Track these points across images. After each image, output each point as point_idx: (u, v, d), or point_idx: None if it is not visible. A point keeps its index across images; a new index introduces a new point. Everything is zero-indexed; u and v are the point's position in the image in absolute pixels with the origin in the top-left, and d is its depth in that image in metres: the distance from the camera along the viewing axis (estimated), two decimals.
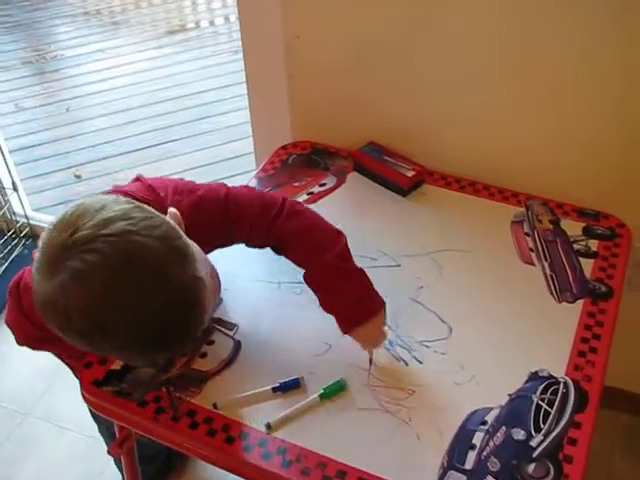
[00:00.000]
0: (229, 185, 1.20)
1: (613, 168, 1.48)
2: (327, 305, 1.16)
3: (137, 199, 1.00)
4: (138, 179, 1.16)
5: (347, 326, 1.15)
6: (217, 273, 1.08)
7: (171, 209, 1.02)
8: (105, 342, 0.87)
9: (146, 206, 0.93)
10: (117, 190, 1.09)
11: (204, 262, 0.96)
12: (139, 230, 0.87)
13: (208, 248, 1.07)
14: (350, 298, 1.14)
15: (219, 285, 1.18)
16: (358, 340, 1.17)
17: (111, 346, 0.88)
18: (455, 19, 1.43)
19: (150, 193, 1.10)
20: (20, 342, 1.20)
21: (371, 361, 1.18)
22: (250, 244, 1.20)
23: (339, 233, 1.19)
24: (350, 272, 1.16)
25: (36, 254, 0.88)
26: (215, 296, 1.10)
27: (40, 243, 0.88)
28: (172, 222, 0.94)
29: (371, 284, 1.17)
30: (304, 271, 1.17)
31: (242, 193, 1.19)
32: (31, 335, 1.17)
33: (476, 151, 1.59)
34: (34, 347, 1.22)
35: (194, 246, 0.95)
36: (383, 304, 1.17)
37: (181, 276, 0.89)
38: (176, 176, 2.94)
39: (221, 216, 1.14)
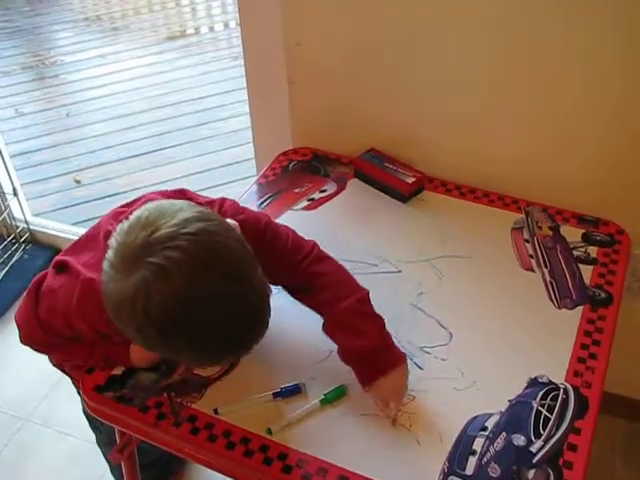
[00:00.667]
0: (271, 218, 1.21)
1: (613, 175, 1.49)
2: (346, 353, 1.13)
3: None
4: (181, 190, 1.16)
5: (370, 377, 1.11)
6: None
7: (231, 220, 1.03)
8: (181, 338, 0.89)
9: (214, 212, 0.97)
10: (166, 193, 1.12)
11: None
12: (219, 231, 0.91)
13: None
14: (370, 346, 1.11)
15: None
16: (379, 395, 1.12)
17: (184, 343, 0.89)
18: (455, 27, 1.44)
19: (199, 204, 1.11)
20: (24, 342, 1.20)
21: (394, 422, 1.11)
22: (270, 278, 1.14)
23: (361, 286, 1.18)
24: (370, 318, 1.14)
25: (108, 254, 0.89)
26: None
27: (114, 244, 0.90)
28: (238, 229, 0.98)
29: (389, 338, 1.14)
30: (323, 320, 1.16)
31: (280, 228, 1.20)
32: (38, 339, 1.18)
33: (476, 158, 1.60)
34: (37, 349, 1.22)
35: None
36: (404, 356, 1.14)
37: (256, 277, 0.93)
38: (176, 182, 2.96)
39: (257, 244, 1.12)
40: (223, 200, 1.18)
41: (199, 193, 1.21)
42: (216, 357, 0.99)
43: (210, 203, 1.14)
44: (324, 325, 1.16)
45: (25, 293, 1.16)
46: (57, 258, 1.15)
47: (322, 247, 1.24)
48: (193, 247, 0.87)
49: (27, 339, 1.20)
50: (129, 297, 0.86)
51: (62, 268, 1.11)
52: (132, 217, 0.91)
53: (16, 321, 1.19)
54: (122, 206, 1.16)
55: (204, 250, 0.88)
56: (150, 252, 0.86)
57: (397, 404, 1.12)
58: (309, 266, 1.17)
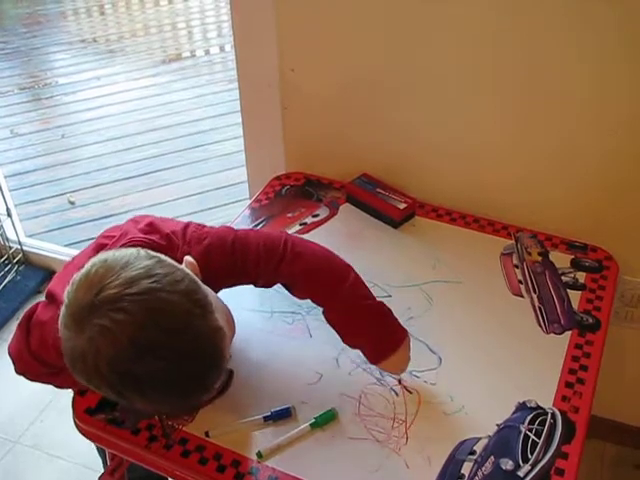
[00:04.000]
0: (236, 229, 1.21)
1: (602, 202, 1.51)
2: (351, 342, 1.18)
3: (154, 247, 1.04)
4: (150, 223, 1.17)
5: (374, 359, 1.18)
6: (230, 313, 1.11)
7: (188, 258, 1.06)
8: (132, 392, 0.91)
9: (167, 259, 0.97)
10: (135, 239, 1.11)
11: (221, 309, 1.00)
12: (163, 287, 0.91)
13: (217, 289, 1.09)
14: (373, 334, 1.17)
15: (233, 324, 1.20)
16: (387, 369, 1.20)
17: (138, 395, 0.91)
18: (448, 55, 1.46)
19: (164, 239, 1.13)
20: (18, 372, 1.21)
21: (400, 381, 1.22)
22: (258, 286, 1.21)
23: (347, 266, 1.20)
24: (368, 307, 1.17)
25: (62, 311, 0.91)
26: (231, 339, 1.14)
27: (65, 300, 0.92)
28: (191, 274, 0.98)
29: (391, 314, 1.18)
30: (322, 310, 1.19)
31: (249, 238, 1.19)
32: (32, 370, 1.19)
33: (467, 184, 1.62)
34: (31, 379, 1.23)
35: (211, 294, 0.99)
36: (406, 333, 1.19)
37: (205, 328, 0.93)
38: (170, 204, 2.96)
39: (229, 263, 1.16)
40: (186, 226, 1.19)
41: (167, 218, 1.23)
42: (171, 407, 1.01)
43: (174, 233, 1.15)
44: (324, 313, 1.18)
45: (17, 325, 1.17)
46: (48, 288, 1.16)
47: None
48: (136, 308, 0.88)
49: (21, 370, 1.21)
50: (80, 354, 0.89)
51: (52, 298, 1.13)
52: (82, 272, 0.93)
53: (9, 352, 1.19)
54: (105, 236, 1.19)
55: (147, 309, 0.89)
56: (96, 313, 0.88)
57: (403, 371, 1.20)
58: (287, 268, 1.17)
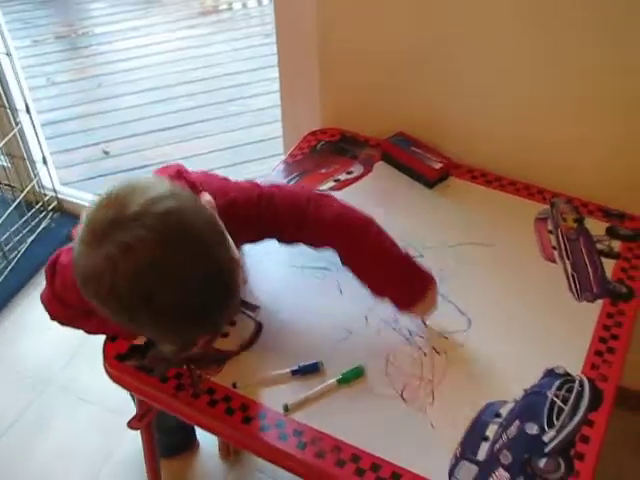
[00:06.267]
0: (261, 184, 1.21)
1: None
2: (379, 291, 1.19)
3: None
4: (177, 171, 1.15)
5: (403, 307, 1.20)
6: (245, 263, 1.12)
7: (206, 196, 1.05)
8: (145, 314, 0.90)
9: (188, 190, 0.98)
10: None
11: (235, 250, 1.00)
12: (187, 210, 0.92)
13: (238, 243, 1.09)
14: (401, 281, 1.19)
15: (246, 275, 1.21)
16: (416, 314, 1.22)
17: (149, 319, 0.91)
18: (489, 11, 1.43)
19: (189, 185, 1.12)
20: (51, 317, 1.23)
21: (425, 324, 1.25)
22: (282, 241, 1.22)
23: (369, 218, 1.20)
24: (394, 255, 1.18)
25: (79, 230, 0.91)
26: (244, 284, 1.15)
27: (85, 219, 0.91)
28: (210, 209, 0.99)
29: (414, 261, 1.20)
30: (344, 260, 1.19)
31: (273, 192, 1.20)
32: (59, 313, 1.21)
33: (504, 145, 1.60)
34: (64, 323, 1.25)
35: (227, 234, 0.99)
36: (432, 279, 1.21)
37: (223, 256, 0.93)
38: (204, 157, 2.96)
39: (255, 215, 1.16)
40: (209, 177, 1.21)
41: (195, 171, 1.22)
42: (179, 335, 0.99)
43: (200, 182, 1.14)
44: (348, 265, 1.19)
45: (44, 270, 1.19)
46: (72, 232, 1.17)
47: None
48: (159, 226, 0.88)
49: (52, 315, 1.23)
50: (96, 271, 0.88)
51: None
52: (103, 194, 0.92)
53: (41, 298, 1.22)
54: None
55: (171, 228, 0.89)
56: (118, 229, 0.87)
57: (431, 314, 1.23)
58: (313, 218, 1.18)
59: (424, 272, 1.20)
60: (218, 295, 0.93)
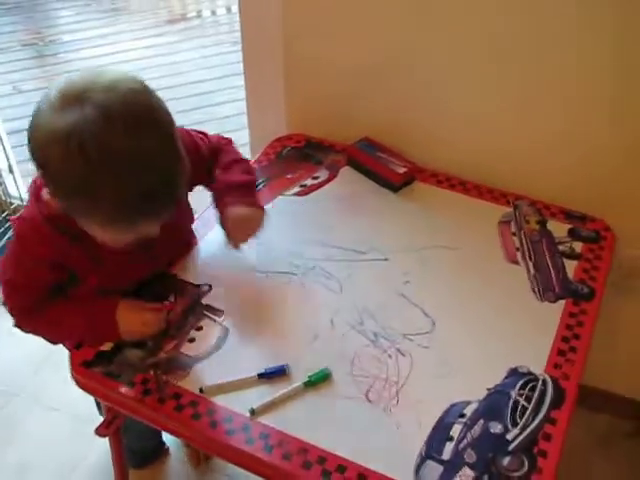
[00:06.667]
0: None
1: (603, 175, 1.51)
2: (217, 185, 1.34)
3: None
4: None
5: (230, 203, 1.30)
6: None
7: None
8: (107, 174, 0.94)
9: None
10: None
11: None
12: (153, 93, 1.01)
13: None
14: (241, 186, 1.33)
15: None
16: (234, 221, 1.29)
17: (111, 182, 0.95)
18: (452, 21, 1.45)
19: None
20: (16, 324, 1.23)
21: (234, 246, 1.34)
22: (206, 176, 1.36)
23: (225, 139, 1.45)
24: (250, 176, 1.38)
25: (47, 95, 0.96)
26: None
27: (55, 86, 0.96)
28: None
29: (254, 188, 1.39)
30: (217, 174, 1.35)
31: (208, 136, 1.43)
32: (18, 302, 1.22)
33: (468, 151, 1.62)
34: (26, 329, 1.24)
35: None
36: (264, 208, 1.34)
37: (179, 145, 1.02)
38: None
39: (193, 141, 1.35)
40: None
41: None
42: (130, 210, 1.01)
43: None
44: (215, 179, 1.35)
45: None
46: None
47: (311, 233, 1.38)
48: (131, 94, 0.96)
49: (16, 320, 1.24)
50: (63, 134, 0.92)
51: None
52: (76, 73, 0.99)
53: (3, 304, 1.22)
54: None
55: (141, 101, 0.98)
56: (91, 93, 0.93)
57: (244, 239, 1.32)
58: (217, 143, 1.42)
59: (257, 202, 1.33)
60: (170, 169, 1.01)
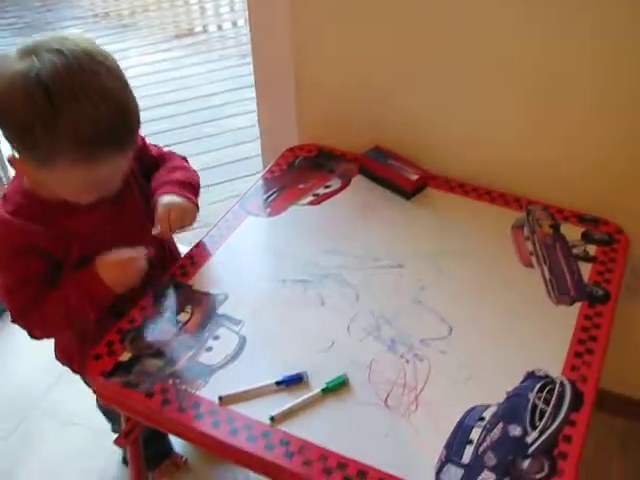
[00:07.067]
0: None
1: (615, 178, 1.52)
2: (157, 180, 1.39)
3: None
4: None
5: (162, 193, 1.32)
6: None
7: None
8: (66, 110, 1.03)
9: None
10: None
11: None
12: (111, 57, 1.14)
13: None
14: (179, 181, 1.37)
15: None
16: (169, 204, 1.30)
17: (70, 118, 1.04)
18: (462, 31, 1.47)
19: None
20: (13, 318, 1.27)
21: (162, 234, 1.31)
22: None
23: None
24: (190, 177, 1.42)
25: (3, 58, 1.07)
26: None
27: (9, 52, 1.07)
28: None
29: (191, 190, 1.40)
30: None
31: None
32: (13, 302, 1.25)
33: (480, 159, 1.63)
34: (20, 322, 1.27)
35: None
36: (198, 208, 1.38)
37: (132, 95, 1.15)
38: None
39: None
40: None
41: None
42: (91, 143, 1.08)
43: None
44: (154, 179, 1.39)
45: None
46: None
47: (325, 241, 1.41)
48: (85, 43, 1.09)
49: (24, 324, 1.27)
50: (22, 75, 1.03)
51: None
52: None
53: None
54: None
55: (95, 49, 1.10)
56: (46, 44, 1.06)
57: (172, 228, 1.31)
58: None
59: (193, 199, 1.37)
60: (127, 106, 1.13)
